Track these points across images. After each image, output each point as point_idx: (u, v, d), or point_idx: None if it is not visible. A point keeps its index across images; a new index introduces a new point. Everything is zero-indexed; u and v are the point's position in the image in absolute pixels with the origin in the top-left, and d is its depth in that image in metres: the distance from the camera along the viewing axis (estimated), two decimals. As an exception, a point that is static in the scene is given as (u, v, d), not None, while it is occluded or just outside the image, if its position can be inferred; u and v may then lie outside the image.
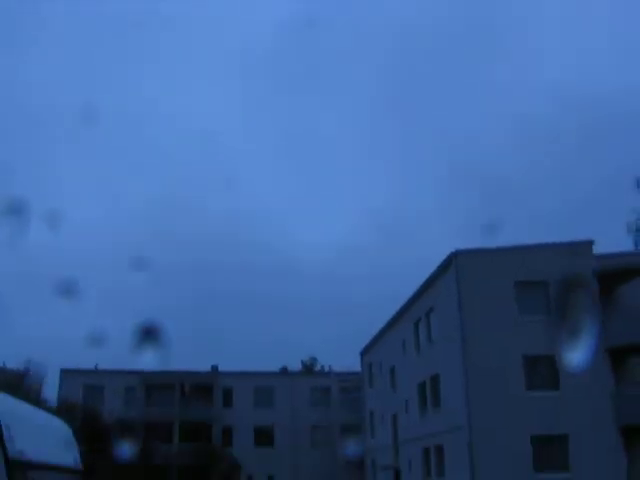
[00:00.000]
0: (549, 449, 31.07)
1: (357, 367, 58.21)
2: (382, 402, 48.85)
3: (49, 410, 8.60)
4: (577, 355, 30.92)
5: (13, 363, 54.36)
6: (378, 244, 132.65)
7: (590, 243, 34.16)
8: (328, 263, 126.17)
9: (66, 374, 58.46)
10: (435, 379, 36.57)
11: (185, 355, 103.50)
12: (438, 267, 35.66)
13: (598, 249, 34.21)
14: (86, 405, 26.54)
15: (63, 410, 19.88)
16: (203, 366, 64.37)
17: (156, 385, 61.91)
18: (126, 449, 25.52)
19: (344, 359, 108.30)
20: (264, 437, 61.38)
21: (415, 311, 40.74)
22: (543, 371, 32.86)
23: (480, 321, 31.75)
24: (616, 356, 32.70)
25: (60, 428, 8.34)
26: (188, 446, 32.37)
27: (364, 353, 55.76)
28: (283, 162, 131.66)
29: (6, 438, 5.83)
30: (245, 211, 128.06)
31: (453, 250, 33.75)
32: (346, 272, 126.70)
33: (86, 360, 65.85)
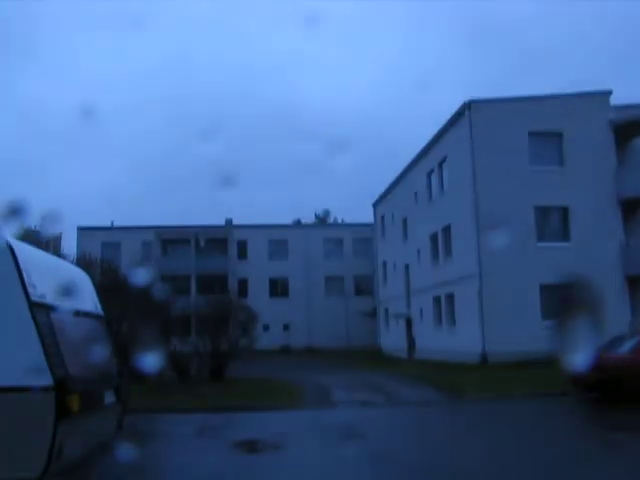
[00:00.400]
0: (558, 297, 31.69)
1: (370, 219, 58.78)
2: (394, 253, 49.63)
3: (68, 265, 8.91)
4: (590, 204, 31.22)
5: (31, 221, 55.29)
6: (392, 101, 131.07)
7: (608, 94, 33.52)
8: (344, 120, 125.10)
9: (83, 232, 59.51)
10: (447, 229, 36.96)
11: (200, 209, 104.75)
12: (451, 116, 35.24)
13: (615, 100, 33.68)
14: (104, 260, 27.01)
15: (82, 265, 20.17)
16: (217, 220, 65.32)
17: (172, 240, 63.06)
18: (145, 301, 26.22)
19: (357, 211, 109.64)
20: (279, 288, 62.99)
21: (428, 162, 40.63)
22: (555, 222, 33.15)
23: (493, 171, 31.67)
24: (628, 208, 32.82)
25: (80, 276, 8.57)
26: (205, 298, 33.07)
27: (377, 205, 56.12)
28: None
29: (27, 283, 6.01)
30: (261, 69, 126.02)
31: (467, 99, 33.22)
32: (363, 127, 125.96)
33: (102, 218, 66.50)
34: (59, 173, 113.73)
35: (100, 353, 7.99)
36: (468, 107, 33.08)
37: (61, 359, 6.02)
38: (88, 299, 8.18)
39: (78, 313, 7.41)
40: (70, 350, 6.32)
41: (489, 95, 33.99)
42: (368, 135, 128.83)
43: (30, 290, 6.02)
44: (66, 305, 6.96)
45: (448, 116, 35.68)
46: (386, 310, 52.39)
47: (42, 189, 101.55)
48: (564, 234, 32.54)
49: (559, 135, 32.85)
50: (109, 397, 7.22)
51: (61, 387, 5.80)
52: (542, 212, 32.62)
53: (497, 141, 32.11)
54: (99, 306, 8.51)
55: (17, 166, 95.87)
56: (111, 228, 61.93)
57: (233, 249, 62.64)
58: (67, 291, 7.39)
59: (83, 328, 7.50)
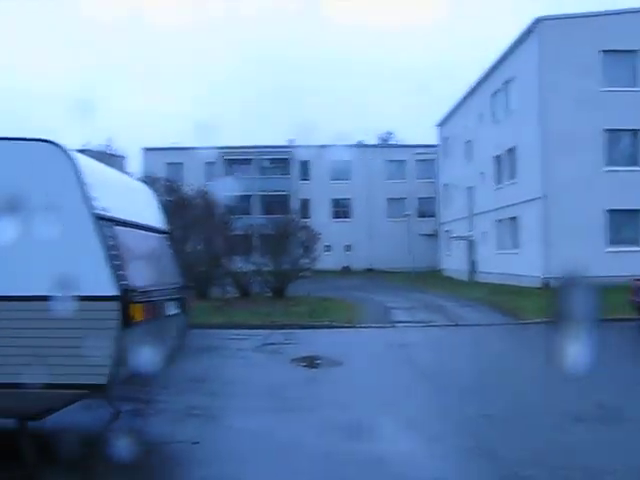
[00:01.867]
0: (623, 223, 31.09)
1: (433, 140, 57.96)
2: (457, 174, 48.96)
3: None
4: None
5: (97, 142, 56.19)
6: (457, 20, 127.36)
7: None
8: (410, 42, 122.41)
9: (148, 153, 60.16)
10: (512, 151, 36.20)
11: (262, 130, 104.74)
12: (519, 34, 34.05)
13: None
14: (168, 179, 27.36)
15: (147, 183, 20.53)
16: (280, 140, 65.23)
17: (235, 160, 63.28)
18: (209, 219, 26.60)
19: (420, 133, 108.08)
20: (341, 209, 63.03)
21: (493, 82, 39.52)
22: (624, 146, 32.16)
23: (561, 92, 30.58)
24: None
25: (144, 191, 8.69)
26: (267, 218, 33.35)
27: (440, 125, 55.21)
28: None
29: (90, 196, 6.13)
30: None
31: (536, 16, 32.01)
32: (428, 48, 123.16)
33: (166, 139, 66.96)
34: (123, 96, 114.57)
35: (163, 266, 8.15)
36: (537, 24, 31.86)
37: (124, 271, 6.15)
38: (152, 214, 8.30)
39: (142, 227, 7.53)
40: (133, 262, 6.45)
41: (559, 12, 32.65)
42: (433, 55, 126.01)
43: (94, 203, 6.13)
44: (130, 219, 7.08)
45: (516, 34, 34.51)
46: (448, 232, 52.06)
47: (108, 111, 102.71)
48: (633, 158, 31.56)
49: (633, 53, 31.51)
50: (172, 309, 7.39)
51: (125, 297, 5.95)
52: (612, 135, 31.53)
53: (567, 60, 30.90)
54: (163, 222, 8.63)
55: (82, 89, 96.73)
56: (175, 149, 62.32)
57: (295, 169, 62.60)
58: (131, 205, 7.52)
59: (146, 242, 7.63)
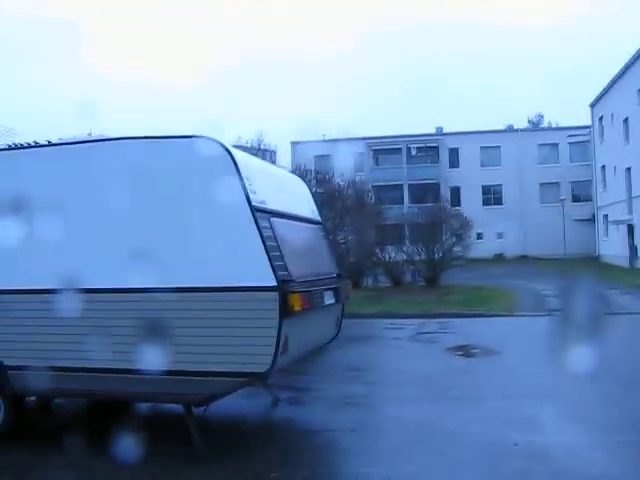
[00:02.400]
0: None
1: (586, 121, 55.63)
2: (614, 155, 46.72)
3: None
4: None
5: (248, 136, 57.78)
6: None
7: None
8: (555, 21, 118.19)
9: (296, 146, 61.29)
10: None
11: (410, 118, 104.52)
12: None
13: None
14: (318, 171, 27.72)
15: (298, 175, 20.94)
16: (428, 128, 64.71)
17: (383, 150, 63.38)
18: (360, 210, 26.75)
19: (572, 114, 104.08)
20: (492, 196, 61.74)
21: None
22: None
23: None
24: None
25: (297, 183, 8.86)
26: (418, 207, 33.21)
27: (594, 105, 52.86)
28: None
29: (248, 189, 6.31)
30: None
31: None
32: (578, 27, 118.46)
33: (315, 132, 68.18)
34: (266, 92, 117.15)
35: (319, 256, 8.27)
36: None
37: (283, 261, 6.29)
38: (306, 205, 8.43)
39: (297, 218, 7.67)
40: (290, 253, 6.57)
41: None
42: (583, 34, 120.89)
43: (252, 196, 6.30)
44: (286, 211, 7.23)
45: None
46: (605, 217, 49.83)
47: (258, 107, 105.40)
48: None
49: None
50: (328, 298, 7.47)
51: (284, 287, 6.07)
52: None
53: None
54: (316, 212, 8.75)
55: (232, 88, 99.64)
56: (322, 141, 63.10)
57: (444, 157, 61.88)
58: (286, 197, 7.67)
59: (302, 233, 7.76)
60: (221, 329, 6.15)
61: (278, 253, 6.29)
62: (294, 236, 7.23)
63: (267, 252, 6.10)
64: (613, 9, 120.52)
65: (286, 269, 6.27)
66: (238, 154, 6.57)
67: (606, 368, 10.73)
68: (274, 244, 6.29)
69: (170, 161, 6.65)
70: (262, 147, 47.54)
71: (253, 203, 6.28)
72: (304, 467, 6.18)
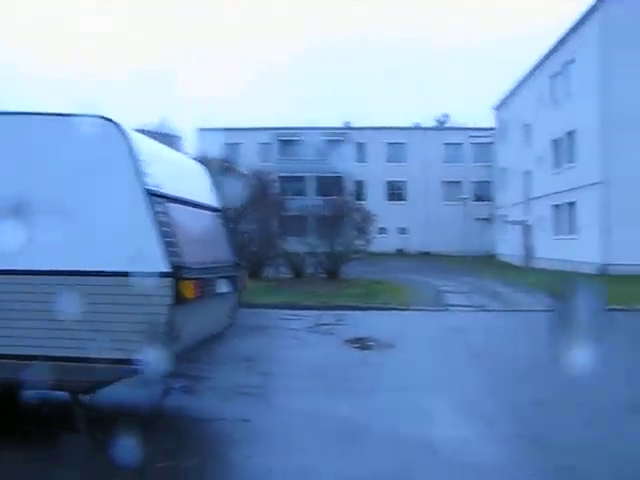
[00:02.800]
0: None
1: (490, 123, 57.17)
2: (515, 158, 48.20)
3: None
4: None
5: (151, 122, 56.67)
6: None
7: None
8: (464, 24, 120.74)
9: (203, 133, 60.63)
10: (571, 135, 35.44)
11: (318, 111, 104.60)
12: (581, 14, 33.17)
13: None
14: (223, 159, 27.37)
15: (201, 162, 20.59)
16: (336, 122, 65.07)
17: (291, 141, 63.37)
18: (264, 199, 26.58)
19: (477, 116, 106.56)
20: (396, 192, 62.65)
21: (553, 63, 38.68)
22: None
23: (625, 72, 29.77)
24: None
25: (197, 168, 8.66)
26: (322, 199, 33.30)
27: (498, 108, 54.33)
28: None
29: (143, 173, 6.12)
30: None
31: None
32: (484, 30, 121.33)
33: (221, 120, 67.31)
34: (177, 77, 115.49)
35: (216, 244, 8.13)
36: (600, 2, 30.98)
37: (176, 247, 6.13)
38: (205, 192, 8.27)
39: (195, 205, 7.51)
40: (185, 239, 6.42)
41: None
42: (489, 38, 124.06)
43: (147, 179, 6.12)
44: (183, 196, 7.07)
45: (576, 14, 33.66)
46: (504, 217, 51.36)
47: (164, 92, 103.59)
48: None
49: None
50: (224, 287, 7.35)
51: (176, 274, 5.93)
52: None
53: (631, 39, 29.99)
54: (216, 199, 8.60)
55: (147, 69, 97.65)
56: (230, 129, 62.67)
57: (351, 151, 62.39)
58: (185, 183, 7.50)
59: (199, 219, 7.61)
60: (109, 315, 5.94)
61: (172, 239, 6.13)
62: (191, 222, 7.09)
63: (160, 237, 5.94)
64: (519, 15, 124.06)
65: (180, 255, 6.12)
66: (134, 135, 6.36)
67: (498, 362, 11.04)
68: (168, 229, 6.13)
69: (60, 139, 6.39)
70: (166, 133, 46.68)
71: (148, 186, 6.10)
72: (192, 457, 6.06)
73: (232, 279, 7.67)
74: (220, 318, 7.91)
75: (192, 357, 8.48)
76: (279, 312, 17.09)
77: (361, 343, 12.55)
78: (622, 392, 8.88)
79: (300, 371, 10.08)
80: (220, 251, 8.07)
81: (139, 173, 6.07)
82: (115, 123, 6.21)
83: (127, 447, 6.06)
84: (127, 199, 6.10)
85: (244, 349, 11.49)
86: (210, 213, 8.22)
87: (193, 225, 7.22)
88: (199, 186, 8.21)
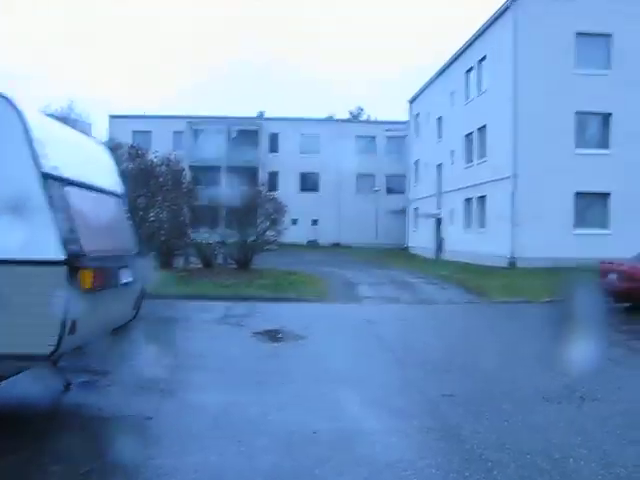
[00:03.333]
0: (591, 205, 31.14)
1: (404, 117, 57.70)
2: (427, 152, 48.79)
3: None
4: (634, 112, 30.12)
5: (58, 105, 54.91)
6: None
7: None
8: (381, 20, 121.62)
9: (114, 120, 59.19)
10: (483, 130, 36.04)
11: (232, 101, 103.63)
12: (495, 12, 33.71)
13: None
14: (133, 145, 26.56)
15: (109, 147, 19.91)
16: (250, 112, 64.57)
17: (204, 130, 62.49)
18: (174, 188, 25.98)
19: (391, 109, 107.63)
20: (309, 183, 62.56)
21: (467, 59, 39.22)
22: (595, 129, 32.09)
23: (535, 72, 30.41)
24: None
25: (99, 151, 8.21)
26: (235, 189, 32.81)
27: (412, 102, 54.86)
28: None
29: (39, 154, 5.68)
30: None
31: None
32: (397, 17, 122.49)
33: (134, 107, 65.83)
34: (90, 60, 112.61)
35: (118, 232, 7.72)
36: (513, 2, 31.51)
37: (74, 234, 5.73)
38: (108, 176, 7.84)
39: (96, 189, 7.08)
40: (84, 225, 6.02)
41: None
42: (405, 32, 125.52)
43: (42, 160, 5.69)
44: (82, 180, 6.64)
45: (491, 11, 34.19)
46: (416, 210, 51.95)
47: (73, 75, 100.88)
48: (604, 141, 31.51)
49: (608, 37, 31.30)
50: (126, 277, 6.97)
51: (74, 262, 5.53)
52: (583, 117, 31.48)
53: (541, 40, 30.72)
54: (120, 184, 8.18)
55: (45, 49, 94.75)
56: (143, 117, 61.38)
57: (264, 142, 61.96)
58: (84, 165, 7.06)
59: (100, 205, 7.19)
60: (1, 305, 5.51)
61: (70, 225, 5.72)
62: (91, 208, 6.67)
63: (56, 223, 5.53)
64: (411, 10, 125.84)
65: (78, 243, 5.72)
66: (30, 113, 5.92)
67: (410, 354, 10.98)
68: (65, 215, 5.71)
69: None
70: (74, 119, 45.26)
71: (44, 169, 5.67)
72: (90, 459, 5.68)
73: (137, 269, 7.30)
74: (124, 309, 7.54)
75: (95, 350, 8.08)
76: (188, 303, 16.70)
77: (271, 335, 12.33)
78: (532, 381, 8.94)
79: (208, 364, 9.76)
80: (123, 239, 7.68)
81: (34, 154, 5.64)
82: (7, 98, 5.76)
83: (18, 449, 5.66)
84: (20, 181, 5.66)
85: (150, 342, 11.07)
86: (114, 199, 7.82)
87: (95, 211, 6.81)
88: (103, 171, 7.79)
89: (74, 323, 5.64)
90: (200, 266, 27.01)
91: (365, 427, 6.70)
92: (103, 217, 7.24)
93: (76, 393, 7.90)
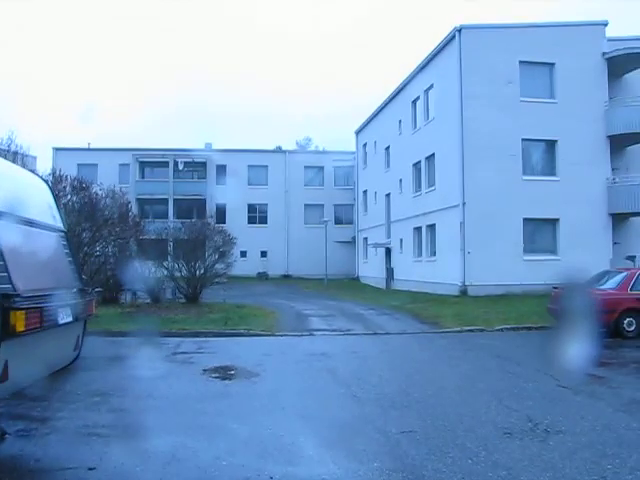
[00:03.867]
0: (539, 232, 31.41)
1: (352, 147, 57.88)
2: (376, 181, 48.90)
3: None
4: (578, 139, 30.62)
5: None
6: (380, 29, 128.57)
7: (603, 25, 32.47)
8: (327, 38, 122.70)
9: (59, 153, 58.16)
10: (431, 159, 36.21)
11: (179, 134, 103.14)
12: (441, 42, 34.05)
13: (611, 33, 32.74)
14: (76, 177, 25.87)
15: (54, 182, 19.30)
16: (197, 144, 64.05)
17: (150, 162, 61.84)
18: (120, 221, 25.38)
19: (339, 140, 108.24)
20: (258, 214, 62.19)
21: (413, 89, 39.47)
22: (541, 156, 32.47)
23: (481, 101, 30.73)
24: (616, 144, 32.27)
25: (36, 183, 7.73)
26: (182, 222, 32.31)
27: (359, 132, 55.11)
28: None
29: None
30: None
31: (457, 25, 31.99)
32: (344, 49, 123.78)
33: (79, 140, 64.94)
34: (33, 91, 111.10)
35: (57, 267, 7.24)
36: (458, 32, 31.89)
37: (6, 272, 5.27)
38: (46, 210, 7.36)
39: (32, 224, 6.60)
40: (17, 263, 5.55)
41: (481, 22, 32.85)
42: (354, 63, 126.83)
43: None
44: (17, 213, 6.16)
45: (437, 42, 34.52)
46: (365, 240, 51.94)
47: (15, 108, 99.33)
48: (550, 168, 31.90)
49: (551, 66, 31.88)
50: (66, 316, 6.50)
51: (5, 302, 5.06)
52: (530, 145, 31.87)
53: (487, 69, 31.14)
54: (60, 219, 7.71)
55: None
56: (88, 149, 60.48)
57: (212, 173, 61.49)
58: (21, 199, 6.59)
59: (36, 240, 6.71)
60: None
61: (1, 261, 5.26)
62: (26, 244, 6.20)
63: (-15, 260, 5.07)
64: (360, 41, 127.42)
65: (9, 281, 5.25)
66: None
67: (365, 388, 10.60)
68: (-4, 250, 5.26)
69: None
70: (15, 151, 44.13)
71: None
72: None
73: (76, 307, 6.81)
74: (64, 351, 7.05)
75: (35, 395, 7.56)
76: (135, 340, 16.08)
77: (222, 372, 11.86)
78: (493, 413, 8.67)
79: (155, 406, 9.25)
80: (64, 276, 7.20)
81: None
82: None
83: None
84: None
85: (94, 383, 10.53)
86: (53, 234, 7.33)
87: (30, 247, 6.33)
88: (40, 205, 7.31)
89: (6, 369, 5.15)
90: (148, 301, 26.38)
91: (324, 472, 6.32)
92: (40, 253, 6.76)
93: (11, 443, 7.31)
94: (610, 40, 32.12)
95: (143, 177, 61.38)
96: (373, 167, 50.06)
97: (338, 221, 61.56)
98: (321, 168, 62.96)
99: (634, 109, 31.79)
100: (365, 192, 52.84)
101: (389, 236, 44.66)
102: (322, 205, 61.48)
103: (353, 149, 57.48)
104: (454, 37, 32.36)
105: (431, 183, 36.19)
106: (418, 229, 38.25)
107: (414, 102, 39.49)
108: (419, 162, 38.21)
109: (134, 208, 29.55)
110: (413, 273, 38.06)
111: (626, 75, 33.36)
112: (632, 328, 16.53)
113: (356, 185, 56.61)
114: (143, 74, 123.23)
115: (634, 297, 16.83)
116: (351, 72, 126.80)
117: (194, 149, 61.88)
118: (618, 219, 32.03)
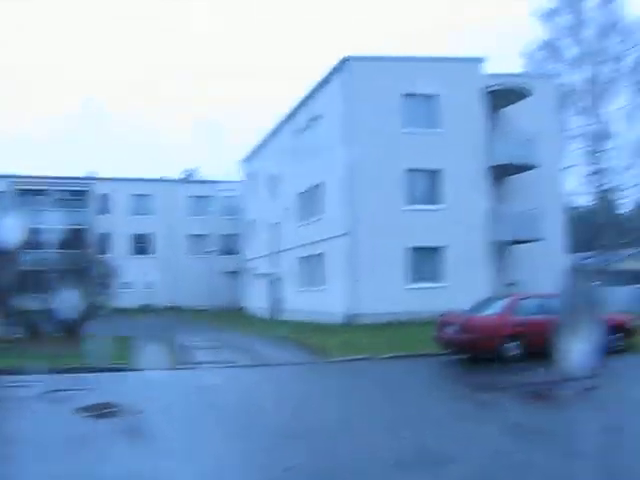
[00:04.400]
0: (423, 260, 31.90)
1: (238, 177, 57.58)
2: (262, 211, 48.68)
3: None
4: (461, 169, 31.53)
5: None
6: (266, 57, 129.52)
7: (480, 61, 33.62)
8: (218, 76, 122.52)
9: None
10: (317, 188, 36.29)
11: (60, 160, 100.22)
12: (326, 73, 34.32)
13: (492, 69, 34.01)
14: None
15: None
16: (79, 172, 62.38)
17: (28, 190, 59.55)
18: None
19: (225, 169, 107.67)
20: (142, 245, 60.94)
21: (300, 119, 39.61)
22: (424, 185, 33.07)
23: (365, 131, 31.09)
24: (497, 174, 33.37)
25: None
26: (62, 253, 31.09)
27: (245, 161, 54.86)
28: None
29: None
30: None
31: (345, 55, 32.31)
32: (237, 83, 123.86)
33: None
34: None
35: None
36: (343, 63, 32.26)
37: None
38: None
39: None
40: None
41: (367, 53, 33.27)
42: (240, 91, 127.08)
43: None
44: None
45: (323, 72, 34.79)
46: (252, 269, 51.54)
47: None
48: (434, 198, 32.47)
49: (433, 98, 32.60)
50: None
51: None
52: (413, 175, 32.33)
53: (371, 100, 31.53)
54: None
55: None
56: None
57: (94, 203, 59.77)
58: None
59: None
60: None
61: None
62: None
63: None
64: (249, 72, 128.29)
65: None
66: None
67: (250, 423, 10.29)
68: None
69: None
70: None
71: None
72: None
73: None
74: None
75: None
76: (5, 378, 15.21)
77: (100, 410, 11.24)
78: (383, 444, 8.53)
79: (21, 453, 8.59)
80: None
81: None
82: None
83: None
84: None
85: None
86: None
87: None
88: None
89: None
90: (23, 336, 25.10)
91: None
92: None
93: None
94: (491, 75, 33.24)
95: (21, 206, 59.06)
96: (260, 196, 49.84)
97: (224, 251, 61.00)
98: (206, 197, 62.38)
99: (513, 142, 33.04)
100: (252, 221, 52.54)
101: (275, 266, 44.44)
102: (207, 235, 60.94)
103: (240, 178, 57.13)
104: (339, 68, 32.71)
105: (318, 212, 36.25)
106: (305, 258, 38.19)
107: (301, 132, 39.58)
108: (306, 191, 38.25)
109: (8, 238, 28.15)
110: (300, 302, 37.92)
111: (504, 108, 34.55)
112: (515, 352, 16.83)
113: (243, 214, 56.28)
114: (31, 98, 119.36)
115: (515, 322, 17.18)
116: (240, 101, 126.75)
117: (75, 177, 60.13)
118: (500, 246, 32.94)
